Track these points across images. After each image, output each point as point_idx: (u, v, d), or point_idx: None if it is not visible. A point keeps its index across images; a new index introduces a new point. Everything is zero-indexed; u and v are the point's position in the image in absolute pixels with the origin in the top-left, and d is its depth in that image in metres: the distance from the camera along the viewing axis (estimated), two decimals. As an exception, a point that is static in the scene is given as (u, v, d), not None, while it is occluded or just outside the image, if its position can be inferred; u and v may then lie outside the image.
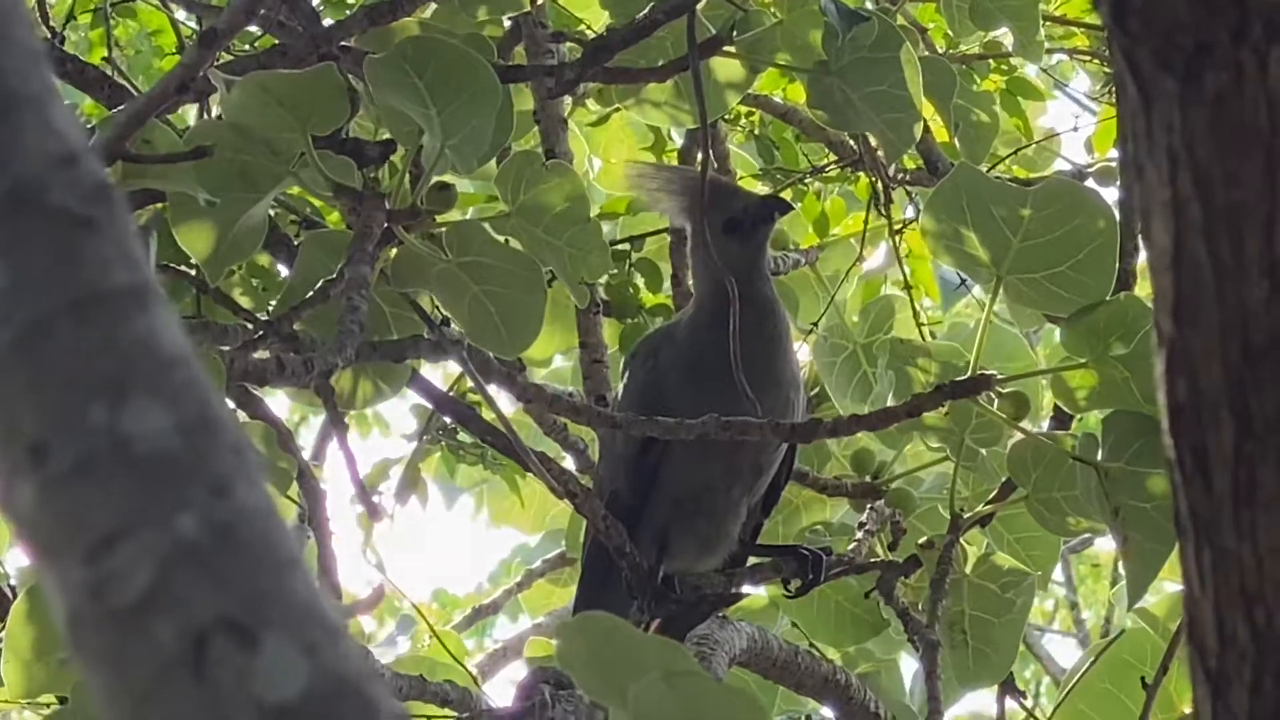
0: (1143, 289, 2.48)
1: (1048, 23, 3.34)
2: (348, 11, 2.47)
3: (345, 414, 2.18)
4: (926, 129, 2.96)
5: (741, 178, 3.26)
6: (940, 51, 3.25)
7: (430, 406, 2.84)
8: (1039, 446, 2.19)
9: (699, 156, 2.53)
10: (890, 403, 2.26)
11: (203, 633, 0.61)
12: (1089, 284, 2.13)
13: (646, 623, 2.31)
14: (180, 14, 3.13)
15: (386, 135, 2.19)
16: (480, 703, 2.45)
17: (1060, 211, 2.12)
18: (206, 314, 2.24)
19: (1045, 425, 2.46)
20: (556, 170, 2.21)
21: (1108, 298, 2.12)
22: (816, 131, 3.20)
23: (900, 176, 3.15)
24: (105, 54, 3.03)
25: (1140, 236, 1.13)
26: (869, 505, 2.55)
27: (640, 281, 2.95)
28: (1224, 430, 1.01)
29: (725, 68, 2.41)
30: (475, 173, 2.22)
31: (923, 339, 2.90)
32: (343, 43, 2.22)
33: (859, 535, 2.50)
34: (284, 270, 2.37)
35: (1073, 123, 3.78)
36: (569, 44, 2.67)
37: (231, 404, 2.26)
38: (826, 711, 2.71)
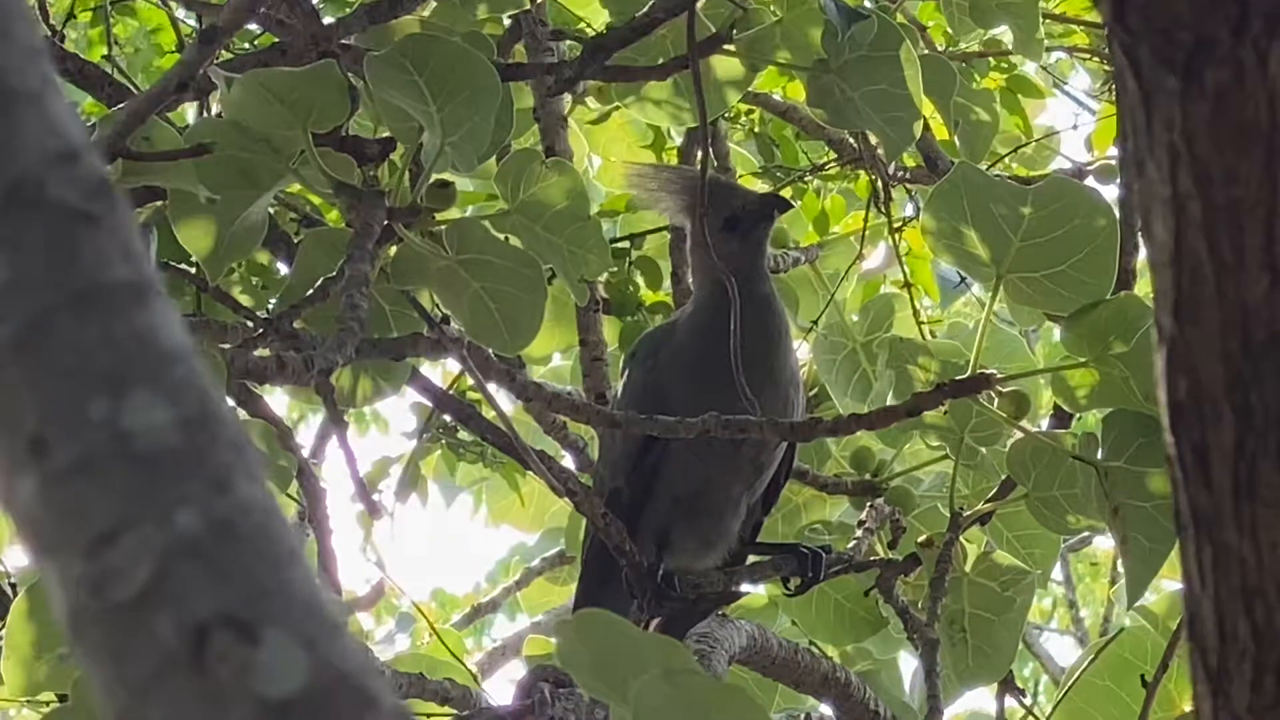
0: (1143, 288, 2.48)
1: (1047, 20, 3.34)
2: (348, 9, 2.47)
3: (345, 412, 2.18)
4: (926, 127, 2.96)
5: (741, 176, 3.26)
6: (940, 49, 3.25)
7: (430, 404, 2.84)
8: (1039, 445, 2.19)
9: (699, 155, 2.53)
10: (890, 401, 2.26)
11: (203, 628, 0.61)
12: (1089, 283, 2.13)
13: (646, 621, 2.31)
14: (180, 12, 3.13)
15: (386, 133, 2.19)
16: (480, 700, 2.44)
17: (1060, 210, 2.12)
18: (206, 312, 2.24)
19: (1045, 424, 2.46)
20: (556, 168, 2.21)
21: (1108, 296, 2.12)
22: (816, 130, 3.20)
23: (900, 175, 3.15)
24: (105, 52, 3.03)
25: (1140, 234, 1.13)
26: (869, 503, 2.55)
27: (640, 279, 2.96)
28: (1225, 426, 1.01)
29: (725, 66, 2.41)
30: (475, 171, 2.22)
31: (922, 338, 2.90)
32: (343, 40, 2.22)
33: (859, 533, 2.50)
34: (284, 268, 2.38)
35: (1073, 121, 3.78)
36: (569, 42, 2.67)
37: (232, 402, 2.26)
38: (826, 709, 2.71)
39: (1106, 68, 3.57)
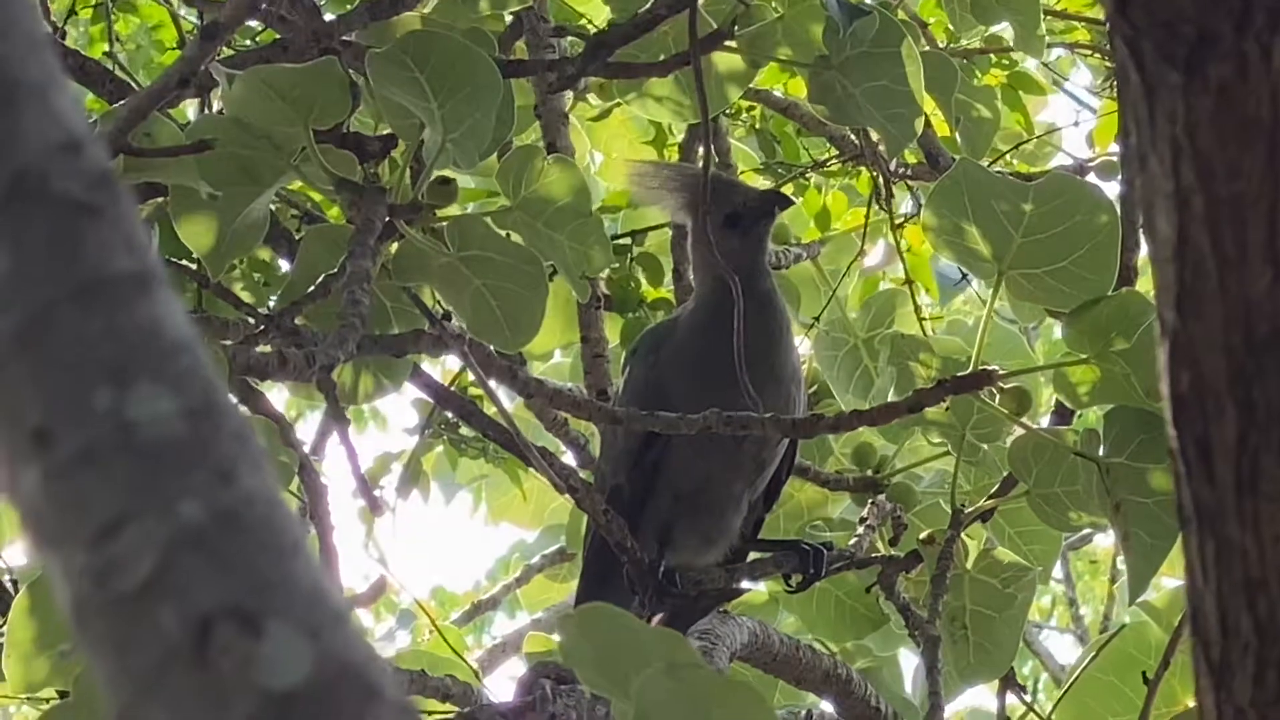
0: (1144, 284, 2.48)
1: (1048, 17, 3.35)
2: (349, 6, 2.47)
3: (345, 408, 2.18)
4: (927, 124, 2.96)
5: (743, 172, 3.26)
6: (941, 46, 3.25)
7: (432, 401, 2.84)
8: (1040, 442, 2.19)
9: (700, 151, 2.53)
10: (891, 398, 2.26)
11: (207, 619, 0.61)
12: (1090, 279, 2.13)
13: (648, 617, 2.30)
14: (181, 9, 3.13)
15: (387, 130, 2.19)
16: (481, 697, 2.44)
17: (1062, 206, 2.12)
18: (208, 308, 2.24)
19: (1046, 421, 2.46)
20: (558, 165, 2.21)
21: (1109, 293, 2.12)
22: (818, 126, 3.20)
23: (901, 171, 3.15)
24: (106, 49, 3.03)
25: (1142, 230, 1.13)
26: (870, 500, 2.55)
27: (641, 276, 2.96)
28: (1227, 421, 1.01)
29: (726, 62, 2.40)
30: (476, 168, 2.22)
31: (924, 334, 2.90)
32: (344, 37, 2.22)
33: (860, 530, 2.50)
34: (285, 265, 2.38)
35: (1074, 117, 3.78)
36: (570, 39, 2.67)
37: (233, 399, 2.26)
38: (826, 706, 2.71)
39: (1108, 64, 3.57)
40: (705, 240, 2.30)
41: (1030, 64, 3.46)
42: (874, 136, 3.00)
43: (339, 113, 2.08)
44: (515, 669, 4.30)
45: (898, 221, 3.16)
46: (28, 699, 2.10)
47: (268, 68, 2.08)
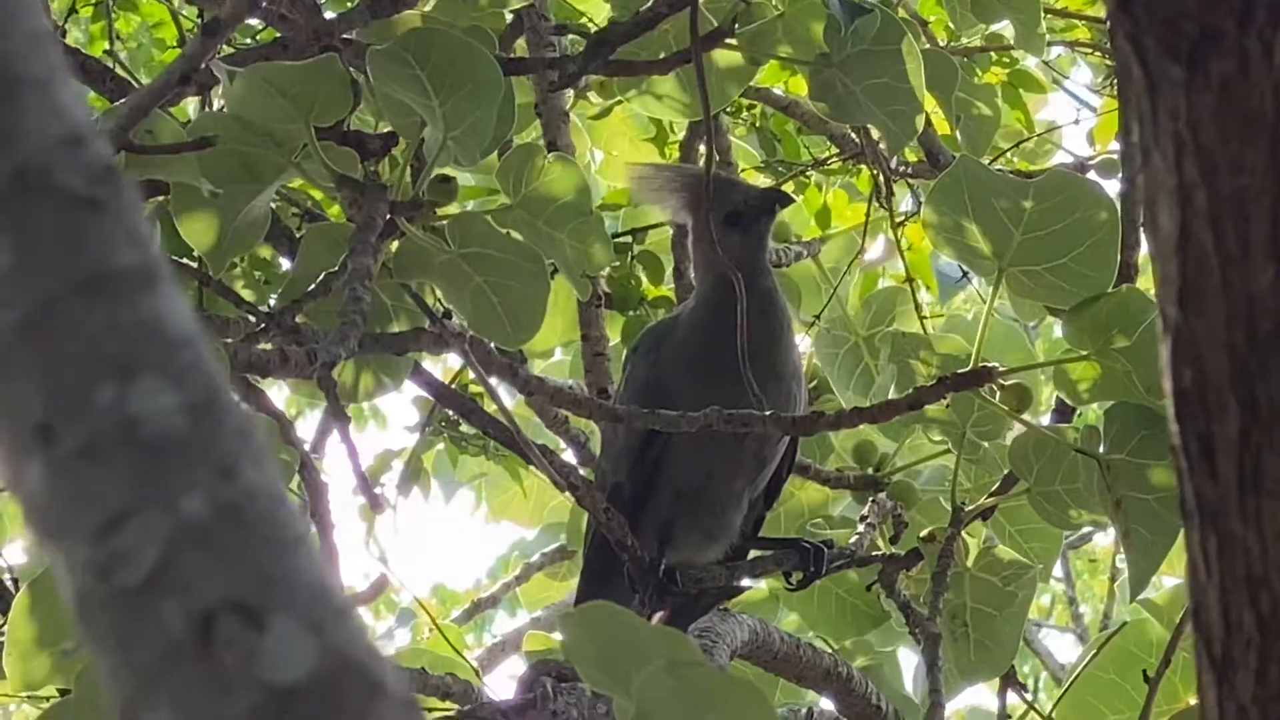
0: (1144, 282, 2.48)
1: (1049, 15, 3.35)
2: (349, 4, 2.47)
3: (346, 406, 2.18)
4: (928, 122, 2.96)
5: (743, 170, 3.26)
6: (941, 44, 3.25)
7: (432, 399, 2.84)
8: (1041, 439, 2.19)
9: (701, 149, 2.53)
10: (892, 395, 2.26)
11: (209, 614, 0.61)
12: (1091, 276, 2.13)
13: (649, 615, 2.30)
14: (181, 7, 3.13)
15: (388, 128, 2.19)
16: (481, 696, 2.44)
17: (1062, 204, 2.12)
18: (208, 307, 2.24)
19: (1047, 418, 2.46)
20: (558, 163, 2.21)
21: (1109, 290, 2.12)
22: (818, 124, 3.20)
23: (902, 169, 3.15)
24: (107, 47, 3.03)
25: (1144, 226, 1.13)
26: (870, 498, 2.55)
27: (642, 274, 2.96)
28: (1229, 417, 1.01)
29: (727, 60, 2.40)
30: (476, 166, 2.22)
31: (924, 332, 2.90)
32: (344, 35, 2.22)
33: (860, 528, 2.51)
34: (286, 264, 2.38)
35: (1074, 115, 3.78)
36: (571, 37, 2.67)
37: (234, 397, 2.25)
38: (826, 704, 2.71)
39: (1108, 63, 3.57)
40: (706, 238, 2.30)
41: (1030, 62, 3.46)
42: (875, 134, 3.00)
43: (340, 110, 2.08)
44: (515, 667, 4.31)
45: (898, 219, 3.16)
46: (28, 697, 2.10)
47: (269, 65, 2.08)
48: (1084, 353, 2.12)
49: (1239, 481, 1.01)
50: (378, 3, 2.23)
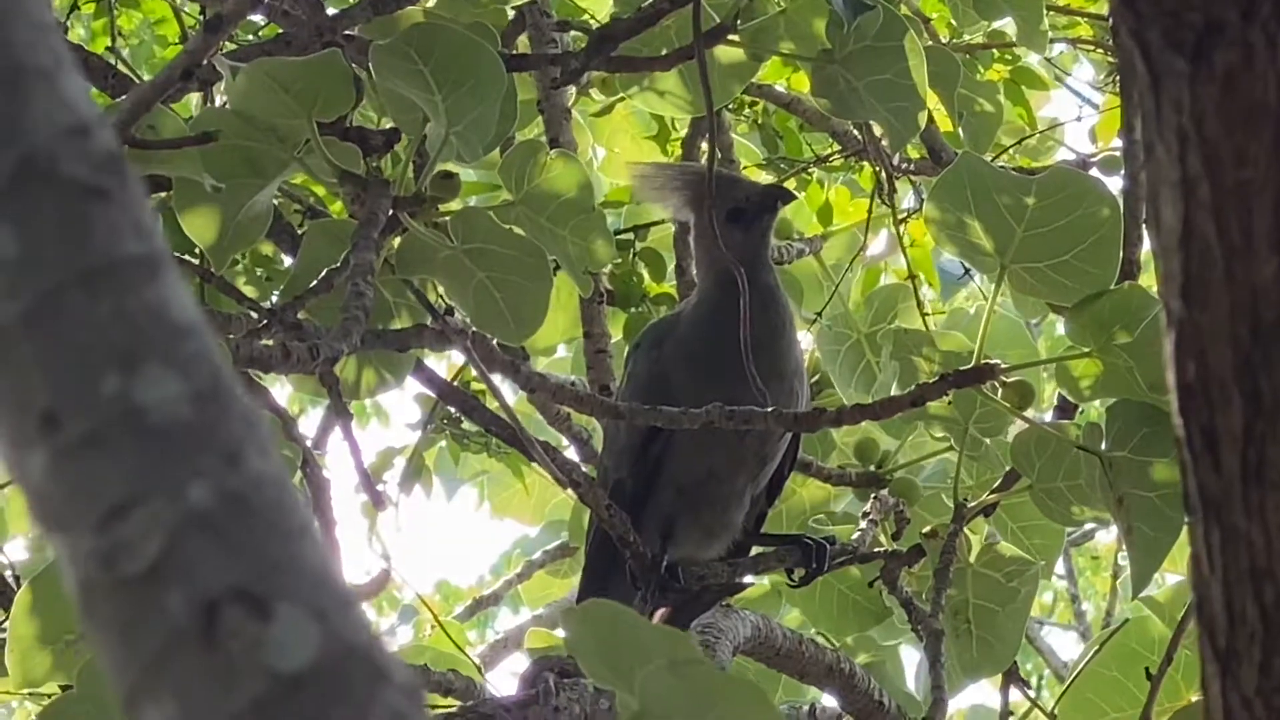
0: (1147, 279, 2.48)
1: (1051, 13, 3.34)
2: (352, 0, 2.47)
3: (348, 403, 2.18)
4: (930, 119, 2.96)
5: (745, 167, 3.26)
6: (944, 41, 3.25)
7: (434, 396, 2.84)
8: (1043, 436, 2.19)
9: (703, 146, 2.53)
10: (894, 392, 2.26)
11: (214, 602, 0.61)
12: (1093, 273, 2.13)
13: (650, 612, 2.30)
14: (183, 4, 3.13)
15: (390, 124, 2.19)
16: (483, 692, 2.44)
17: (1064, 200, 2.12)
18: (210, 302, 2.24)
19: (1049, 415, 2.46)
20: (561, 160, 2.21)
21: (1112, 287, 2.12)
22: (820, 121, 3.20)
23: (904, 166, 3.15)
24: (109, 44, 3.03)
25: (1147, 220, 1.13)
26: (873, 494, 2.55)
27: (644, 271, 2.95)
28: (1233, 410, 1.01)
29: (729, 57, 2.40)
30: (479, 162, 2.21)
31: (926, 329, 2.90)
32: (347, 31, 2.22)
33: (863, 525, 2.51)
34: (288, 260, 2.38)
35: (1076, 112, 3.78)
36: (573, 33, 2.67)
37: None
38: (829, 701, 2.71)
39: (1110, 60, 3.57)
40: (708, 235, 2.30)
41: (1033, 59, 3.46)
42: (877, 131, 3.00)
43: (342, 106, 2.08)
44: (518, 664, 4.30)
45: (900, 216, 3.15)
46: (29, 694, 2.10)
47: (271, 60, 2.08)
48: (1086, 349, 2.12)
49: (1243, 474, 1.01)
50: (380, -1, 2.23)
